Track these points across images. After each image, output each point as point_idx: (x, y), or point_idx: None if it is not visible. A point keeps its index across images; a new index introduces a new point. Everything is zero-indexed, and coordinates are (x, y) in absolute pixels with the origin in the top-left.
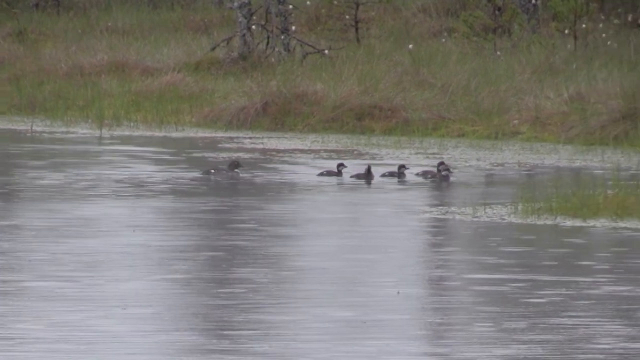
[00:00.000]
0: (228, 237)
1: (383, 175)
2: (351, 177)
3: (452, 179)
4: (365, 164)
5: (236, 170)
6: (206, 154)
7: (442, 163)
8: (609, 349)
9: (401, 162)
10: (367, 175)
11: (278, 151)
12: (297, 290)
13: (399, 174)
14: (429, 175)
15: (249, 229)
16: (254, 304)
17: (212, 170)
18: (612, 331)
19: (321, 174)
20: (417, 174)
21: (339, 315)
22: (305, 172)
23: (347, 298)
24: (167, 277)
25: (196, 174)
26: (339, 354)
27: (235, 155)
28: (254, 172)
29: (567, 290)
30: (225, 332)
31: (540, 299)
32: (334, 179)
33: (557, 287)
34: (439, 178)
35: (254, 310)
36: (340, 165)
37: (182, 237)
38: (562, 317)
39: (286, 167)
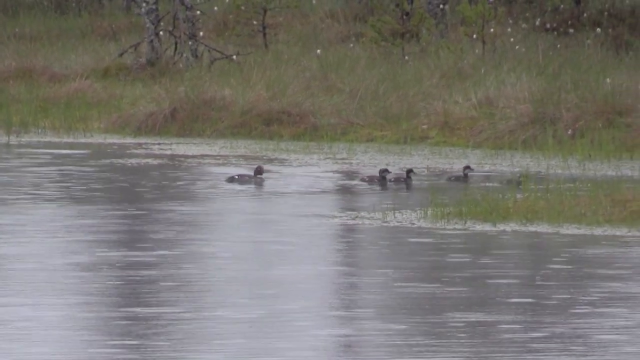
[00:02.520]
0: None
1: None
2: (390, 182)
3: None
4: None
5: (259, 176)
6: (114, 160)
7: (467, 167)
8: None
9: (409, 167)
10: (407, 180)
11: (186, 157)
12: (197, 291)
13: (407, 178)
14: (452, 178)
15: (145, 232)
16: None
17: (236, 177)
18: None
19: (231, 179)
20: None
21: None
22: (217, 178)
23: (238, 300)
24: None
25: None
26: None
27: (143, 161)
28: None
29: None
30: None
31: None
32: (245, 185)
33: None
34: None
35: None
36: (384, 171)
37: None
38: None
39: (200, 171)
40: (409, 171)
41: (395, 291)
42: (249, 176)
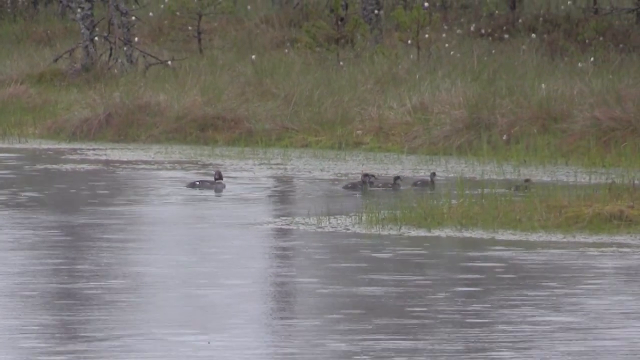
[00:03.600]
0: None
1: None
2: (378, 187)
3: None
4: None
5: (219, 181)
6: (49, 166)
7: (434, 173)
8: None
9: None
10: (394, 184)
11: (121, 162)
12: (129, 301)
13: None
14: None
15: (80, 239)
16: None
17: (197, 182)
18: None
19: (192, 185)
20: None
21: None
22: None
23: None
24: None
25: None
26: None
27: (78, 167)
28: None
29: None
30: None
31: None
32: (206, 191)
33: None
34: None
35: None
36: (367, 175)
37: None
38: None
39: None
40: (397, 178)
41: (318, 294)
42: (210, 182)
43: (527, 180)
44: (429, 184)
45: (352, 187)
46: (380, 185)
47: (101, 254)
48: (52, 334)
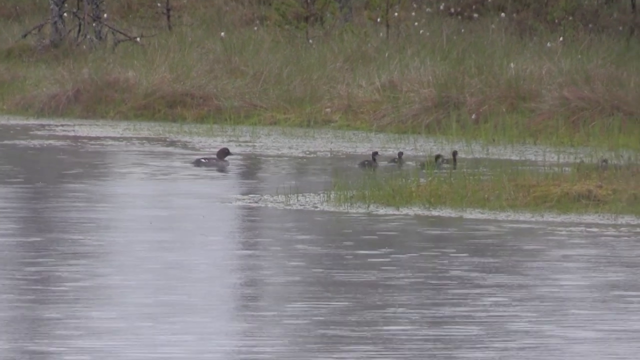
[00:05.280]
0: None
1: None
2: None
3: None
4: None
5: (225, 159)
6: (17, 142)
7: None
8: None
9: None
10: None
11: (90, 139)
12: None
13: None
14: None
15: (50, 216)
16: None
17: (204, 160)
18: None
19: (198, 162)
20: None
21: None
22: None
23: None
24: None
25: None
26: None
27: (46, 142)
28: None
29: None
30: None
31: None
32: (211, 167)
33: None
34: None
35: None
36: (375, 153)
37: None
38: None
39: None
40: (400, 154)
41: (288, 272)
42: (215, 159)
43: (374, 154)
44: (373, 163)
45: (368, 164)
46: (386, 161)
47: (65, 230)
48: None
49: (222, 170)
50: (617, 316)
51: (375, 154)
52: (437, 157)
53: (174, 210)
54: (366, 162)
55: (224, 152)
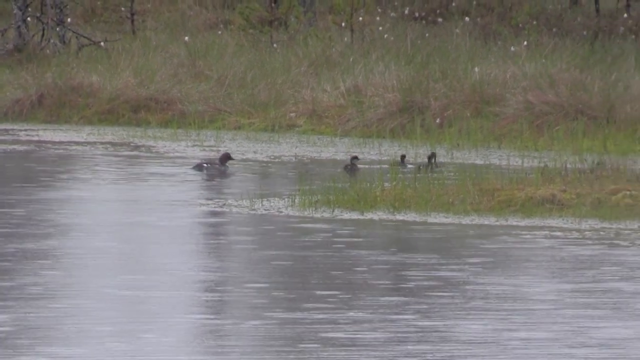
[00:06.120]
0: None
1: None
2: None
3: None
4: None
5: (226, 164)
6: None
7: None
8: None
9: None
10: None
11: (54, 143)
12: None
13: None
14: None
15: (15, 222)
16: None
17: (205, 165)
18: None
19: (200, 167)
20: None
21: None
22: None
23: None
24: None
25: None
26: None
27: (10, 147)
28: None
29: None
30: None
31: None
32: (211, 172)
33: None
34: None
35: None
36: (354, 158)
37: None
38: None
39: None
40: (403, 156)
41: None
42: (217, 164)
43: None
44: (353, 167)
45: (350, 168)
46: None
47: (27, 235)
48: None
49: (222, 175)
50: (574, 319)
51: (354, 158)
52: (402, 156)
53: (135, 215)
54: (348, 166)
55: (226, 157)
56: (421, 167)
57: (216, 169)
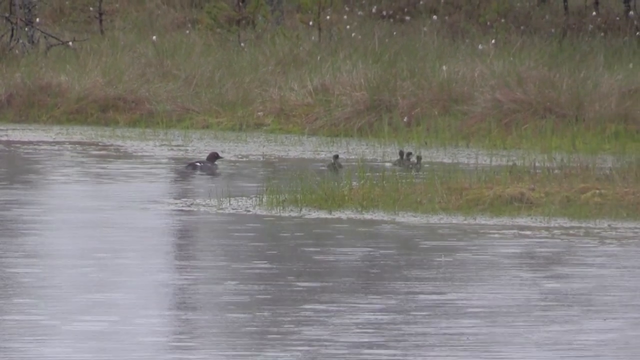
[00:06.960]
0: None
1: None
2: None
3: None
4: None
5: (215, 163)
6: None
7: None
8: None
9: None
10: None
11: (22, 143)
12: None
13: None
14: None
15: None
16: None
17: (198, 164)
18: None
19: (194, 167)
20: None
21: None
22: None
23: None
24: None
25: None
26: None
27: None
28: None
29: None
30: None
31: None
32: (203, 172)
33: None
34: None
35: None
36: (336, 156)
37: None
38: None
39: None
40: (409, 154)
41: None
42: (210, 164)
43: (405, 155)
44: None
45: (333, 167)
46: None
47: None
48: None
49: (213, 173)
50: (540, 320)
51: (336, 157)
52: (408, 154)
53: (103, 213)
54: (331, 165)
55: (214, 156)
56: (410, 167)
57: (208, 168)
